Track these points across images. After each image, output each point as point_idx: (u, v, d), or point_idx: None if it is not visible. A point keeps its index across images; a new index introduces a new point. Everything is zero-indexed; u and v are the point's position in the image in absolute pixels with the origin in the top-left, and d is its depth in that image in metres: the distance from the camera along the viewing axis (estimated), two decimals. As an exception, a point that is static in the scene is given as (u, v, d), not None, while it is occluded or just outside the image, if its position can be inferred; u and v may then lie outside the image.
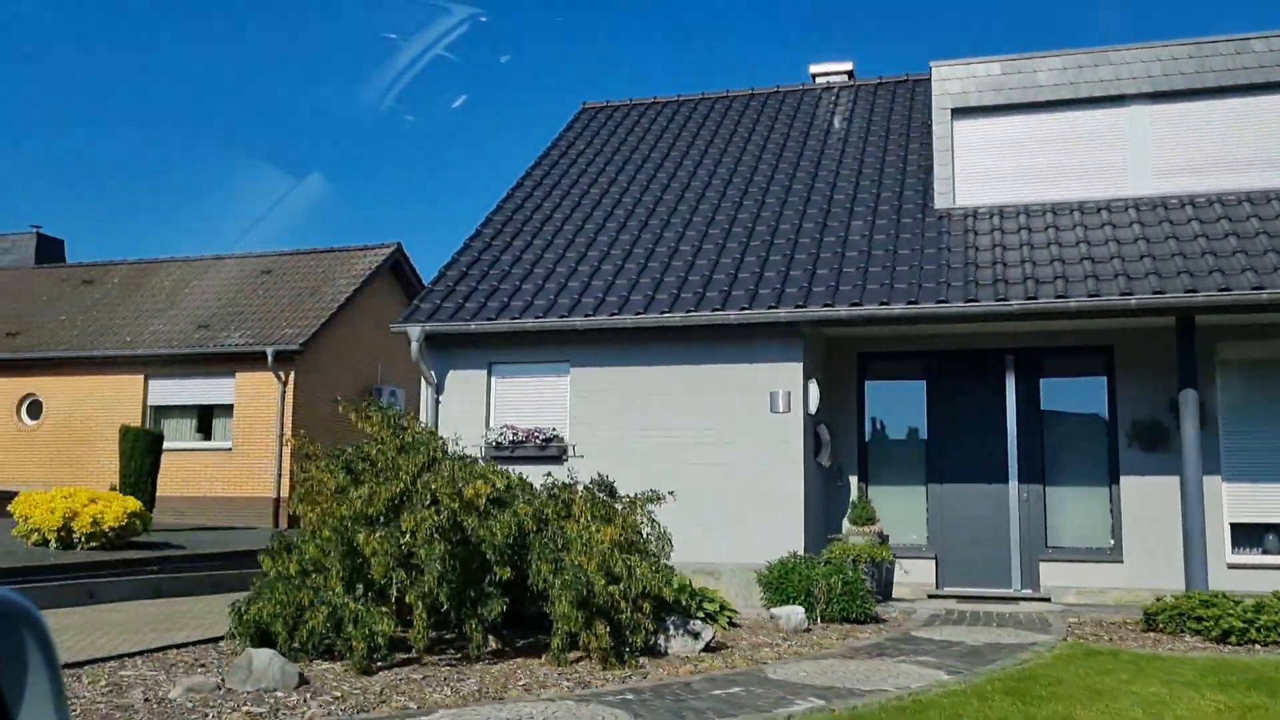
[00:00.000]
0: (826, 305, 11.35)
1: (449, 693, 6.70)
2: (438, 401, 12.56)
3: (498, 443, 12.22)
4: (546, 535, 8.00)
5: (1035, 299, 10.88)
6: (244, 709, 6.20)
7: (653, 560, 8.08)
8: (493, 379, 12.59)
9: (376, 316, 24.62)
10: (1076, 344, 12.42)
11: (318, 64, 58.93)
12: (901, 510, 12.74)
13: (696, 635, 8.28)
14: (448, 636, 8.38)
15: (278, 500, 21.35)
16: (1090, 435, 12.47)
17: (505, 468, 8.66)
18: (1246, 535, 11.71)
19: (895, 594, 12.08)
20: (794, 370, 11.67)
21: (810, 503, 11.76)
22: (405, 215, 66.13)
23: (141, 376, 22.47)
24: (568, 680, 7.16)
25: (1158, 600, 9.92)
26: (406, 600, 7.55)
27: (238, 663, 6.97)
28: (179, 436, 22.18)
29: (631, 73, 65.20)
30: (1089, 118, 12.89)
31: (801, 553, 11.05)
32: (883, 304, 11.17)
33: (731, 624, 9.54)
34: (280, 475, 21.36)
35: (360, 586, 7.68)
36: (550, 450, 12.08)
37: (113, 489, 18.18)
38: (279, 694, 6.59)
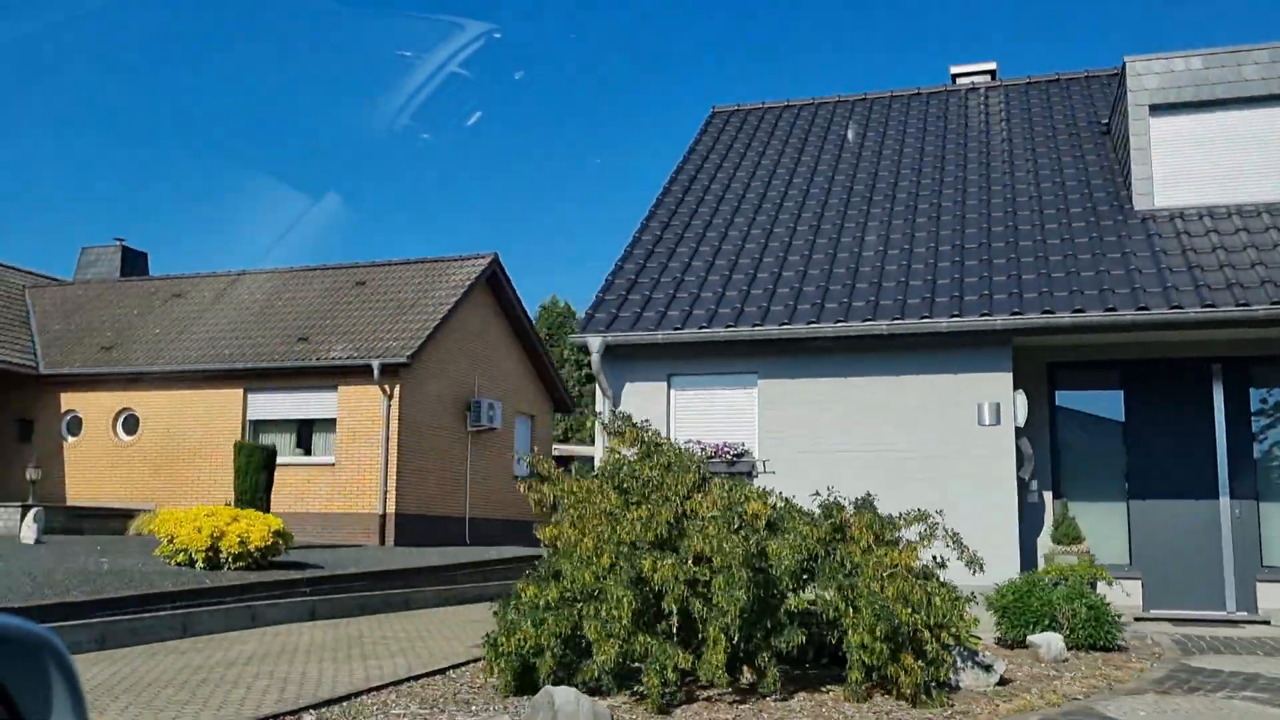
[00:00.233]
0: (1046, 312, 10.73)
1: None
2: (614, 415, 11.97)
3: (684, 458, 11.62)
4: (835, 559, 7.41)
5: None
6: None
7: (949, 588, 7.48)
8: (672, 391, 12.02)
9: (473, 328, 24.15)
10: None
11: (334, 84, 58.82)
12: (1099, 527, 12.06)
13: (988, 668, 7.67)
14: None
15: (384, 517, 20.82)
16: (1308, 448, 11.80)
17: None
18: None
19: (1104, 617, 11.40)
20: (1003, 381, 11.06)
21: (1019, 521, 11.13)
22: (423, 232, 65.86)
23: (240, 390, 22.01)
24: (889, 720, 6.56)
25: None
26: (702, 633, 6.96)
27: (538, 702, 6.40)
28: (279, 451, 21.67)
29: (659, 86, 64.72)
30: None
31: (1019, 574, 10.42)
32: (1110, 310, 10.54)
33: (982, 652, 8.91)
34: (386, 491, 20.84)
35: (643, 617, 7.10)
36: (740, 465, 11.49)
37: (226, 505, 17.72)
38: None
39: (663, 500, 7.47)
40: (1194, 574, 11.75)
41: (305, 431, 22.14)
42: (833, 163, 15.10)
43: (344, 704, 7.14)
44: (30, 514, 16.54)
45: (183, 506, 21.20)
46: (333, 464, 21.33)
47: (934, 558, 7.89)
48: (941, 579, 7.65)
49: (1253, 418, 11.88)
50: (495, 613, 8.14)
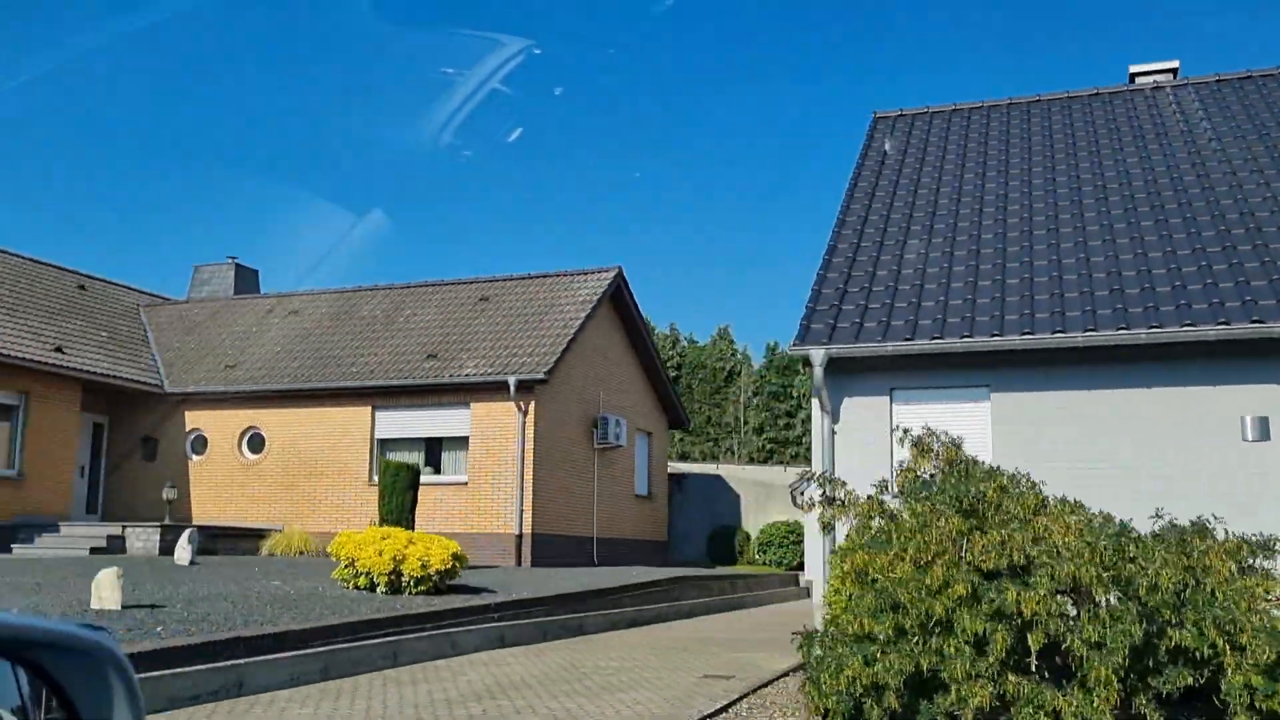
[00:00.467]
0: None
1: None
2: (833, 431, 11.36)
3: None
4: (1205, 590, 6.71)
5: None
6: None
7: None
8: (894, 406, 11.35)
9: (597, 343, 23.62)
10: None
11: (378, 102, 58.93)
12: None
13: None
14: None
15: (520, 537, 20.27)
16: None
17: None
18: None
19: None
20: (1272, 393, 10.29)
21: None
22: (462, 249, 65.67)
23: (369, 408, 21.62)
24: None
25: None
26: (1080, 671, 6.28)
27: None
28: (408, 470, 21.23)
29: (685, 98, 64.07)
30: None
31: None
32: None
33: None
34: (523, 510, 20.30)
35: (1013, 654, 6.44)
36: (978, 485, 10.78)
37: (372, 524, 17.27)
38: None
39: (1006, 523, 6.82)
40: None
41: (434, 449, 21.69)
42: (1024, 165, 14.40)
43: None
44: (185, 535, 16.21)
45: (310, 527, 20.85)
46: (465, 483, 20.85)
47: None
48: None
49: None
50: (800, 647, 7.54)
